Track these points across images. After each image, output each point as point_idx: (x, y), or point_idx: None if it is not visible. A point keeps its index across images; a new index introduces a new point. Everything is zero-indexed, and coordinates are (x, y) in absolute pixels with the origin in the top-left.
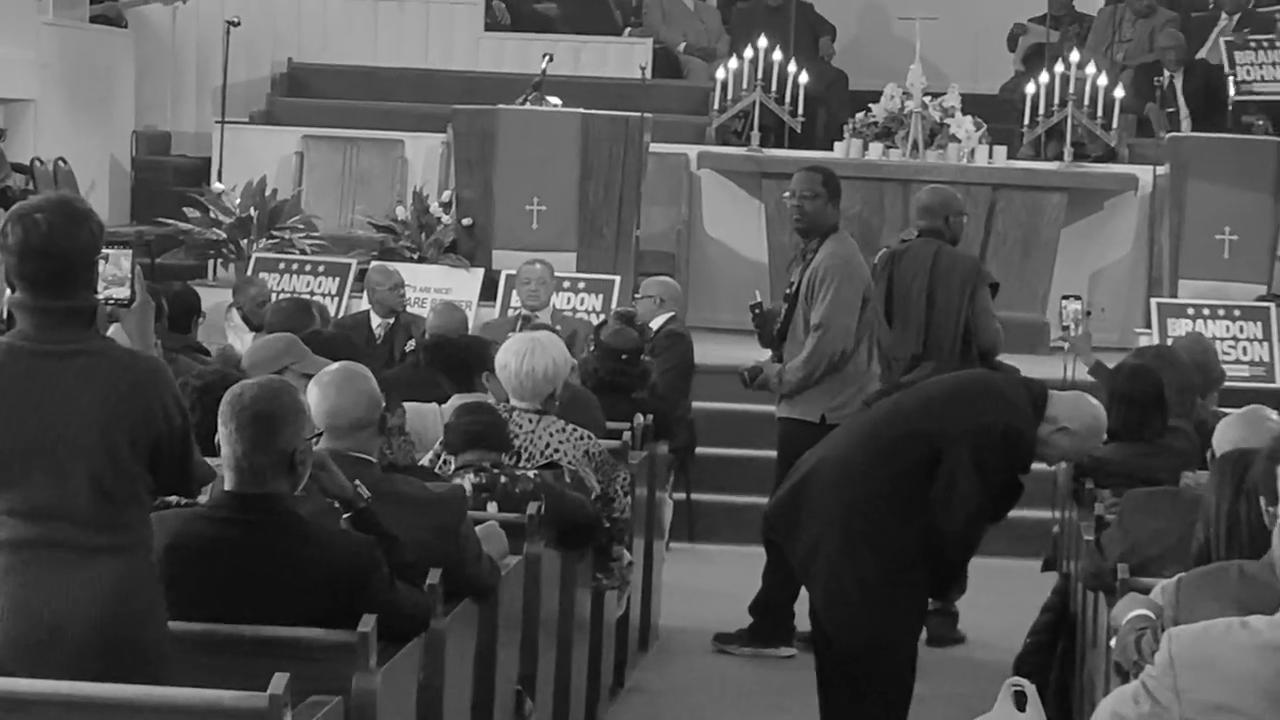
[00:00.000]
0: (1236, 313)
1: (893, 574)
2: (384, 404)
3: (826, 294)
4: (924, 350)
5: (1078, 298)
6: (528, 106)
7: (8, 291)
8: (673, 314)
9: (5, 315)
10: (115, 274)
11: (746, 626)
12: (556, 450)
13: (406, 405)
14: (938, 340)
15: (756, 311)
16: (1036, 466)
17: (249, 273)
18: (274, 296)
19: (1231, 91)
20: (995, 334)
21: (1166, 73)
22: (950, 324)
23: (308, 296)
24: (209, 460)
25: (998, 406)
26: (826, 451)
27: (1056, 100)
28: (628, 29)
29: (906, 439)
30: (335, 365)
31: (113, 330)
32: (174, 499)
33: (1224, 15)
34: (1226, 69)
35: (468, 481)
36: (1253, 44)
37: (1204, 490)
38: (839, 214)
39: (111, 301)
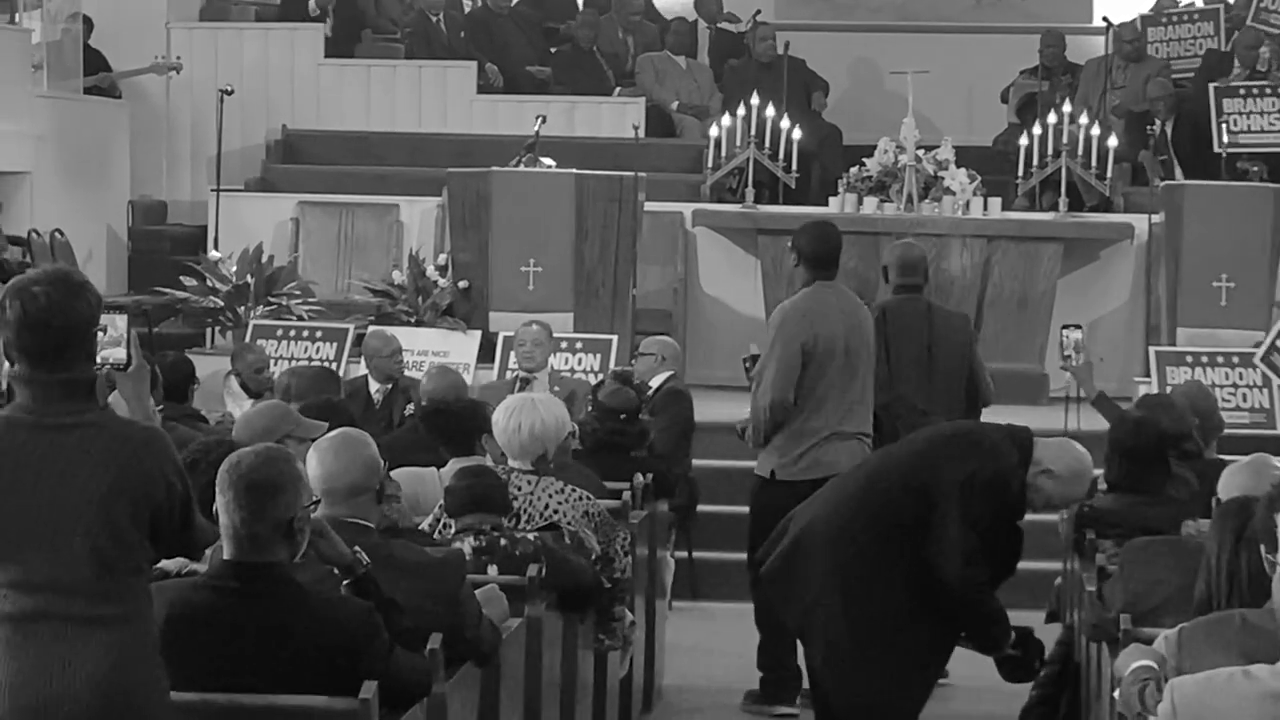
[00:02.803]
0: (1235, 359)
1: (890, 634)
2: (383, 470)
3: (766, 348)
4: (929, 406)
5: (1078, 326)
6: (522, 168)
7: (6, 365)
8: (672, 372)
9: (5, 389)
10: (112, 336)
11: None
12: (556, 511)
13: (406, 470)
14: (944, 395)
15: (748, 365)
16: (1039, 518)
17: (247, 340)
18: (273, 363)
19: (1223, 138)
20: (990, 386)
21: (1159, 121)
22: (956, 380)
23: (326, 364)
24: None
25: (983, 454)
26: (818, 510)
27: (1050, 151)
28: (617, 89)
29: (898, 493)
30: (335, 431)
31: (112, 397)
32: (173, 567)
33: (1237, 64)
34: (1214, 117)
35: (468, 545)
36: (1241, 91)
37: (1205, 539)
38: (820, 269)
39: (108, 365)
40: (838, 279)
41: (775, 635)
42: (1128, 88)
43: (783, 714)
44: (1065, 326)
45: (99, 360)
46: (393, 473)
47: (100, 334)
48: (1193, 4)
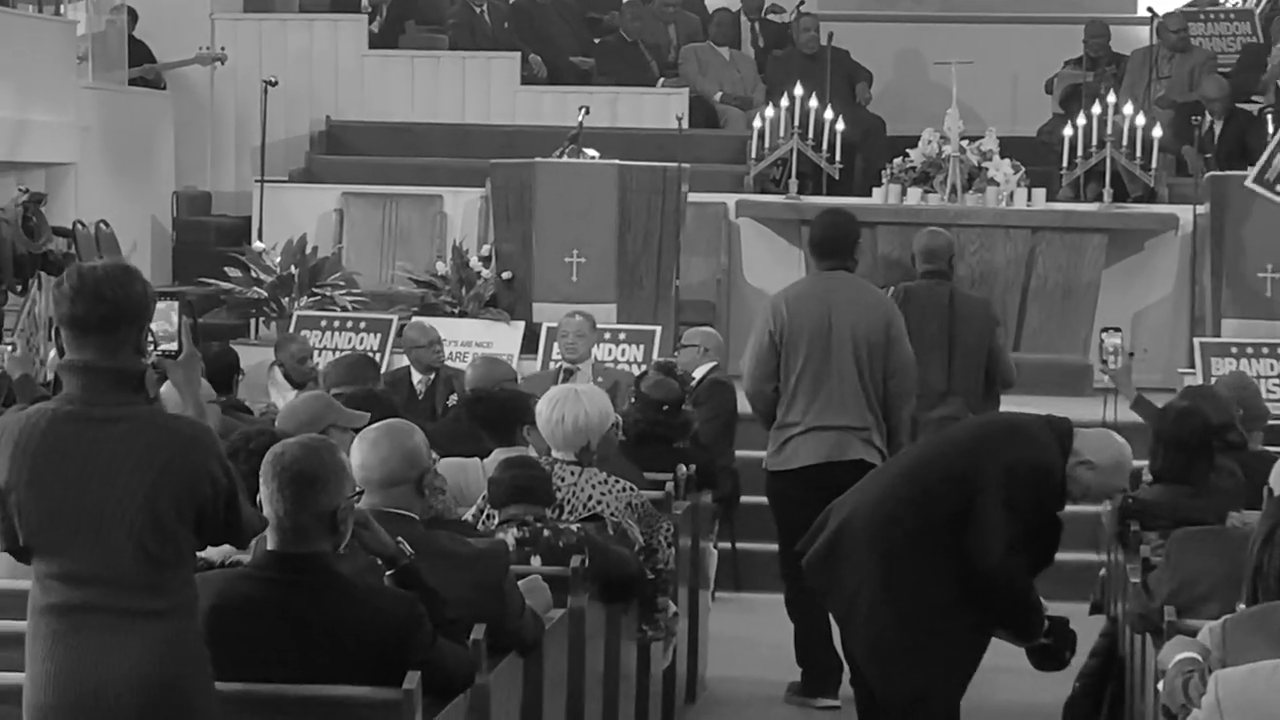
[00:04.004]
0: None
1: (933, 623)
2: (428, 461)
3: None
4: (949, 387)
5: (1118, 330)
6: (565, 159)
7: (53, 354)
8: (716, 364)
9: (51, 379)
10: (164, 328)
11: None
12: (599, 502)
13: (449, 461)
14: (963, 378)
15: None
16: (1082, 509)
17: (290, 330)
18: (316, 354)
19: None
20: (1012, 369)
21: (1207, 116)
22: (975, 363)
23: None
24: None
25: (1024, 444)
26: (860, 499)
27: (1095, 142)
28: (661, 80)
29: (938, 483)
30: (380, 422)
31: (165, 389)
32: (217, 557)
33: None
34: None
35: (511, 535)
36: None
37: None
38: (821, 257)
39: (160, 353)
40: (856, 269)
41: (809, 626)
42: (1173, 78)
43: (825, 706)
44: (1105, 330)
45: (151, 358)
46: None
47: (150, 335)
48: (1230, 3)
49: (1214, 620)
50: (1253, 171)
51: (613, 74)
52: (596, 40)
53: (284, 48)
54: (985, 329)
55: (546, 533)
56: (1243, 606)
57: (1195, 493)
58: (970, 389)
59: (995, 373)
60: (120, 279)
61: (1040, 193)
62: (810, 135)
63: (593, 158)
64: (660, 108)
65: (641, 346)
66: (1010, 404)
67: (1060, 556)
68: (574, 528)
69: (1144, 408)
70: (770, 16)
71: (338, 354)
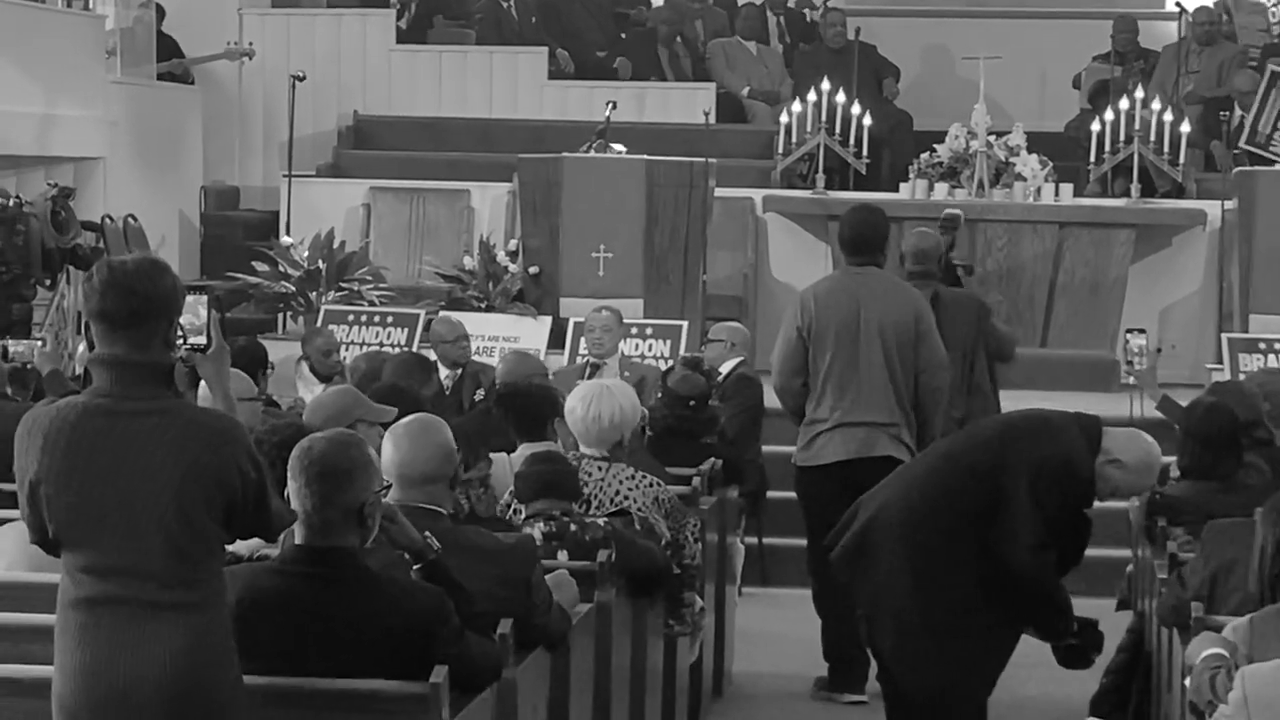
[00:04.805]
0: None
1: (960, 618)
2: (458, 457)
3: None
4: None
5: (1142, 331)
6: (592, 154)
7: (82, 348)
8: (742, 358)
9: (80, 374)
10: (193, 322)
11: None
12: (626, 497)
13: None
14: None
15: None
16: (1109, 505)
17: (317, 325)
18: (343, 348)
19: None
20: (1008, 342)
21: (1237, 110)
22: (957, 357)
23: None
24: None
25: (1053, 441)
26: (888, 495)
27: (1122, 137)
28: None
29: (967, 479)
30: (411, 417)
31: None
32: (245, 551)
33: None
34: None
35: (538, 530)
36: None
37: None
38: (850, 253)
39: (189, 346)
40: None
41: (836, 620)
42: (1202, 73)
43: (852, 701)
44: (1129, 331)
45: (181, 353)
46: None
47: (179, 329)
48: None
49: (1241, 616)
50: (1243, 134)
51: (639, 69)
52: (624, 35)
53: (312, 43)
54: (973, 323)
55: (573, 527)
56: None
57: (1223, 488)
58: (955, 386)
59: (996, 352)
60: (149, 273)
61: (1068, 188)
62: (837, 130)
63: (620, 153)
64: (688, 103)
65: (668, 341)
66: (1036, 399)
67: (1088, 553)
68: (601, 522)
69: (1169, 408)
70: (793, 6)
71: (365, 348)
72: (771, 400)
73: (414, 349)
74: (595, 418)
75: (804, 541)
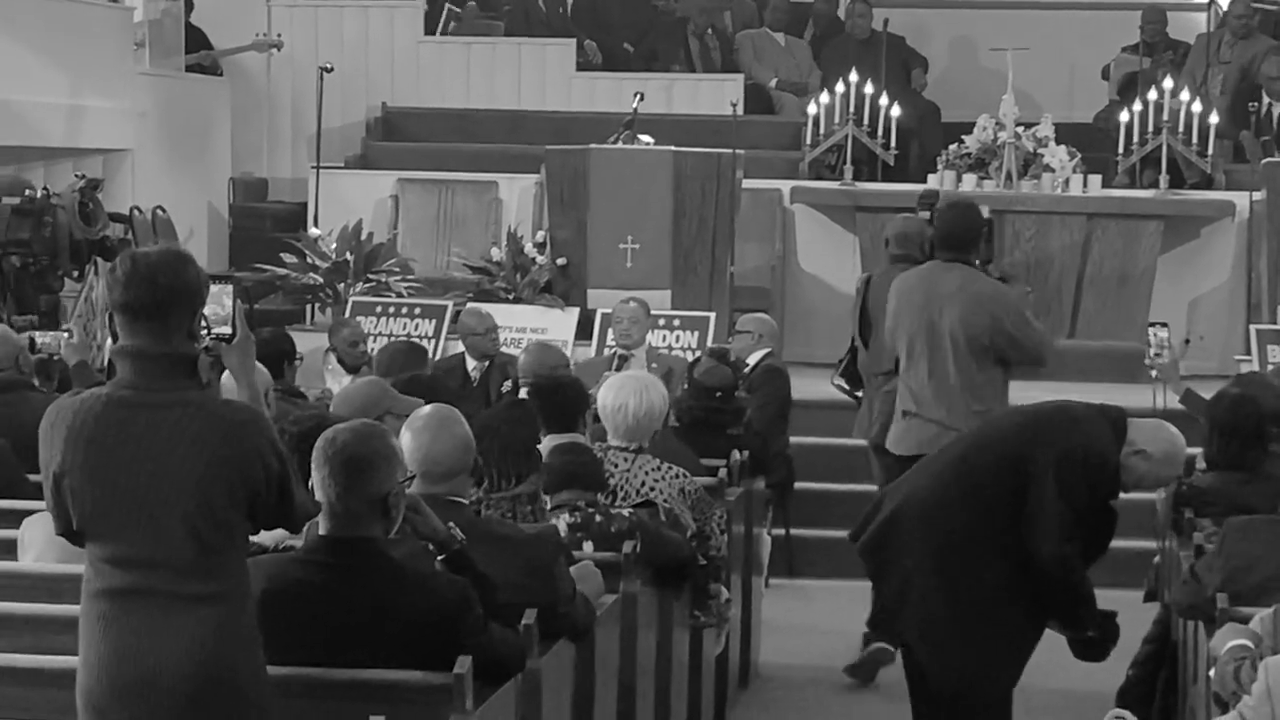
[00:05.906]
0: None
1: (986, 609)
2: (474, 447)
3: None
4: (895, 367)
5: (1165, 325)
6: (620, 145)
7: (109, 341)
8: (770, 350)
9: (106, 365)
10: (218, 311)
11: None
12: (652, 489)
13: None
14: None
15: None
16: (1135, 496)
17: (345, 316)
18: (370, 339)
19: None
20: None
21: (1266, 99)
22: None
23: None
24: None
25: (1078, 432)
26: (914, 485)
27: (1151, 128)
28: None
29: (993, 468)
30: (428, 408)
31: (225, 379)
32: (269, 542)
33: None
34: None
35: (563, 521)
36: None
37: None
38: (941, 249)
39: (214, 336)
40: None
41: None
42: (1232, 64)
43: (878, 648)
44: (1152, 324)
45: (205, 343)
46: None
47: (203, 320)
48: None
49: (1267, 608)
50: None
51: (666, 60)
52: (653, 27)
53: (340, 34)
54: None
55: (599, 518)
56: None
57: (1249, 479)
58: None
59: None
60: (173, 264)
61: (1096, 179)
62: (865, 121)
63: (647, 144)
64: (715, 94)
65: (695, 333)
66: (1065, 391)
67: (1114, 544)
68: (626, 513)
69: (1192, 401)
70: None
71: (392, 339)
72: (801, 392)
73: (442, 340)
74: (628, 411)
75: (830, 533)
